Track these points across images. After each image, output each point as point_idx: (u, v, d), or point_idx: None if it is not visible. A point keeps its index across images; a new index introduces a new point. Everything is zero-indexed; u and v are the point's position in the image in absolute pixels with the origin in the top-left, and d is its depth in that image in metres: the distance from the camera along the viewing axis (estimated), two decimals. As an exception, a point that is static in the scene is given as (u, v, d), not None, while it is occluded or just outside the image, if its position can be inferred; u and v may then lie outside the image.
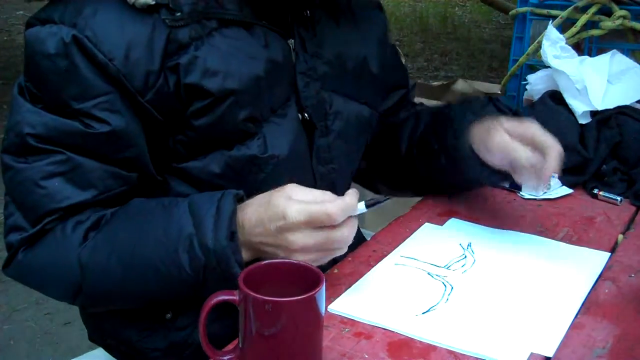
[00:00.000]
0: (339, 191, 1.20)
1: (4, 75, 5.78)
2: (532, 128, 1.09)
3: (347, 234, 0.91)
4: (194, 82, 0.99)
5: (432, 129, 1.24)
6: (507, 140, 1.08)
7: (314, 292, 0.75)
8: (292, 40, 1.10)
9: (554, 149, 1.06)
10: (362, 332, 0.89)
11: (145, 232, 0.95)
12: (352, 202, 0.91)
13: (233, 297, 0.78)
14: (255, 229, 0.92)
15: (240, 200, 0.96)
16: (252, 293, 0.74)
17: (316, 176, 1.16)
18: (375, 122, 1.29)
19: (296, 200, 0.90)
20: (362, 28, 1.22)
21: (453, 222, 1.22)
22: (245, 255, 0.93)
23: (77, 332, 2.43)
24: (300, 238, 0.89)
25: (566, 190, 1.35)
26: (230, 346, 0.84)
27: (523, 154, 1.06)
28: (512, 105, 1.22)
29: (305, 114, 1.12)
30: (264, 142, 1.06)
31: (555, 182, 1.34)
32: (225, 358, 0.80)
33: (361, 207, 0.93)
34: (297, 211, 0.89)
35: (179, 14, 0.98)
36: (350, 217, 0.91)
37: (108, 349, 1.20)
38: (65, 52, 0.95)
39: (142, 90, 0.97)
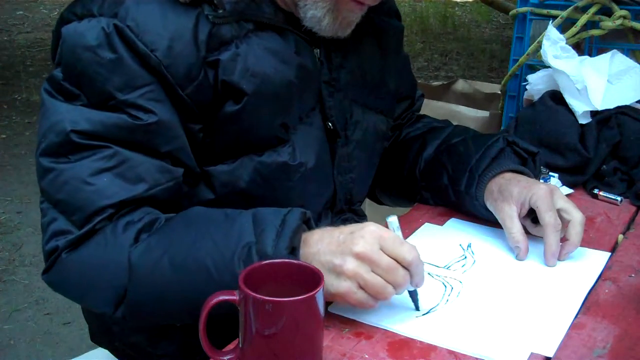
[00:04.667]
0: (356, 202, 1.21)
1: (4, 75, 5.78)
2: (558, 203, 1.07)
3: (405, 280, 0.86)
4: (232, 80, 0.99)
5: (442, 165, 1.22)
6: (508, 218, 1.09)
7: (314, 292, 0.75)
8: (318, 50, 1.10)
9: (578, 221, 1.06)
10: (362, 332, 0.89)
11: (203, 236, 0.91)
12: (422, 271, 0.89)
13: (233, 297, 0.78)
14: (317, 245, 0.88)
15: (306, 221, 0.92)
16: (252, 293, 0.74)
17: (336, 186, 1.16)
18: (389, 133, 1.30)
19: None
20: (381, 39, 1.23)
21: (453, 222, 1.21)
22: None
23: (77, 332, 2.43)
24: (368, 244, 0.85)
25: (566, 190, 1.35)
26: (230, 346, 0.84)
27: (513, 238, 1.07)
28: (527, 146, 1.21)
29: (329, 123, 1.12)
30: (294, 149, 1.06)
31: (555, 182, 1.35)
32: (225, 358, 0.80)
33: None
34: (376, 225, 0.88)
35: (221, 11, 0.98)
36: (414, 277, 0.88)
37: (113, 350, 1.20)
38: (108, 42, 0.94)
39: (183, 82, 0.96)
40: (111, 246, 0.92)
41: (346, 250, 0.86)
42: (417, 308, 0.93)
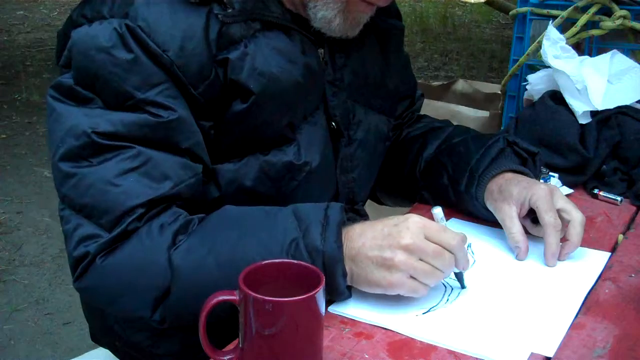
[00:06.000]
0: (358, 201, 1.22)
1: (4, 75, 5.78)
2: (558, 204, 1.07)
3: (451, 263, 0.91)
4: (240, 79, 0.99)
5: (442, 165, 1.22)
6: (508, 218, 1.09)
7: (314, 292, 0.75)
8: (322, 50, 1.10)
9: (578, 221, 1.06)
10: (362, 332, 0.89)
11: (246, 234, 0.92)
12: (466, 254, 0.94)
13: (233, 297, 0.78)
14: (360, 239, 0.91)
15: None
16: (252, 293, 0.74)
17: (339, 185, 1.16)
18: (391, 133, 1.30)
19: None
20: (382, 39, 1.23)
21: (453, 222, 1.21)
22: (347, 268, 0.91)
23: (77, 332, 2.43)
24: (414, 234, 0.89)
25: (566, 190, 1.35)
26: (230, 346, 0.84)
27: (513, 238, 1.08)
28: (528, 146, 1.20)
29: (333, 123, 1.13)
30: (299, 148, 1.07)
31: (555, 182, 1.35)
32: (225, 358, 0.80)
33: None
34: (420, 217, 0.92)
35: (230, 10, 0.98)
36: (459, 260, 0.93)
37: (114, 350, 1.20)
38: (122, 42, 0.94)
39: (195, 81, 0.97)
40: (149, 249, 0.91)
41: (394, 244, 0.89)
42: (463, 286, 0.99)
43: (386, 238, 0.90)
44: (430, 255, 0.89)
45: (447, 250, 0.91)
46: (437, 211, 0.99)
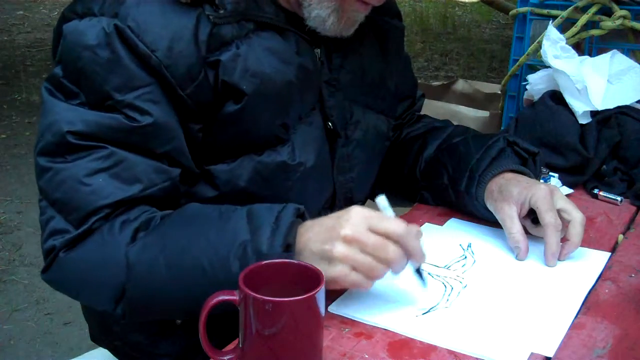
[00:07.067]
0: (357, 202, 1.22)
1: (4, 75, 5.78)
2: (558, 204, 1.07)
3: (399, 255, 0.87)
4: (232, 80, 0.99)
5: (443, 165, 1.22)
6: (508, 218, 1.09)
7: (314, 292, 0.75)
8: (318, 50, 1.10)
9: (578, 221, 1.06)
10: (362, 332, 0.89)
11: (198, 234, 0.92)
12: (418, 246, 0.89)
13: (233, 297, 0.78)
14: (307, 233, 0.89)
15: (300, 215, 0.92)
16: (252, 293, 0.74)
17: (336, 185, 1.16)
18: (391, 132, 1.30)
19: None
20: (382, 40, 1.23)
21: (453, 222, 1.21)
22: None
23: (77, 332, 2.43)
24: (354, 226, 0.86)
25: (566, 190, 1.35)
26: (230, 346, 0.84)
27: (513, 238, 1.07)
28: (528, 146, 1.20)
29: (329, 123, 1.13)
30: (293, 149, 1.07)
31: (555, 182, 1.35)
32: (225, 358, 0.80)
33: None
34: (361, 207, 0.89)
35: (222, 11, 0.98)
36: (407, 249, 0.88)
37: (113, 350, 1.20)
38: (107, 42, 0.94)
39: (183, 83, 0.96)
40: (108, 245, 0.92)
41: (334, 235, 0.86)
42: (424, 285, 0.94)
43: (328, 230, 0.87)
44: (370, 247, 0.86)
45: (393, 241, 0.87)
46: (380, 199, 0.93)
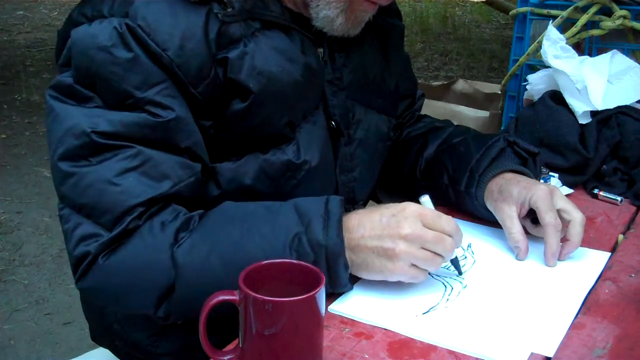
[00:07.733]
0: (359, 201, 1.22)
1: (4, 75, 5.78)
2: (558, 204, 1.07)
3: (452, 246, 0.94)
4: (239, 78, 0.99)
5: (443, 165, 1.22)
6: (508, 218, 1.10)
7: (314, 292, 0.75)
8: (321, 49, 1.11)
9: (578, 221, 1.06)
10: (362, 332, 0.89)
11: (249, 230, 0.92)
12: (461, 238, 0.97)
13: (233, 297, 0.78)
14: (359, 230, 0.94)
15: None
16: (252, 293, 0.74)
17: (338, 185, 1.16)
18: (392, 133, 1.30)
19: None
20: (383, 39, 1.23)
21: (453, 222, 1.21)
22: (348, 259, 0.93)
23: (77, 332, 2.43)
24: (413, 224, 0.92)
25: (566, 190, 1.35)
26: (230, 346, 0.84)
27: (513, 238, 1.08)
28: (528, 146, 1.20)
29: (332, 122, 1.13)
30: (298, 147, 1.07)
31: (555, 182, 1.35)
32: (225, 358, 0.80)
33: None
34: (416, 205, 0.96)
35: (230, 9, 0.99)
36: (456, 242, 0.96)
37: (114, 350, 1.20)
38: (122, 41, 0.94)
39: (194, 80, 0.97)
40: (151, 247, 0.91)
41: (394, 234, 0.92)
42: (460, 273, 1.01)
43: (385, 228, 0.93)
44: (431, 242, 0.92)
45: (446, 234, 0.94)
46: (425, 199, 1.02)
